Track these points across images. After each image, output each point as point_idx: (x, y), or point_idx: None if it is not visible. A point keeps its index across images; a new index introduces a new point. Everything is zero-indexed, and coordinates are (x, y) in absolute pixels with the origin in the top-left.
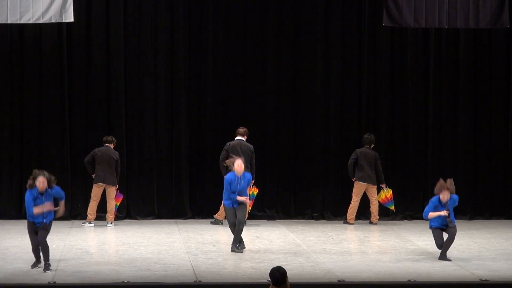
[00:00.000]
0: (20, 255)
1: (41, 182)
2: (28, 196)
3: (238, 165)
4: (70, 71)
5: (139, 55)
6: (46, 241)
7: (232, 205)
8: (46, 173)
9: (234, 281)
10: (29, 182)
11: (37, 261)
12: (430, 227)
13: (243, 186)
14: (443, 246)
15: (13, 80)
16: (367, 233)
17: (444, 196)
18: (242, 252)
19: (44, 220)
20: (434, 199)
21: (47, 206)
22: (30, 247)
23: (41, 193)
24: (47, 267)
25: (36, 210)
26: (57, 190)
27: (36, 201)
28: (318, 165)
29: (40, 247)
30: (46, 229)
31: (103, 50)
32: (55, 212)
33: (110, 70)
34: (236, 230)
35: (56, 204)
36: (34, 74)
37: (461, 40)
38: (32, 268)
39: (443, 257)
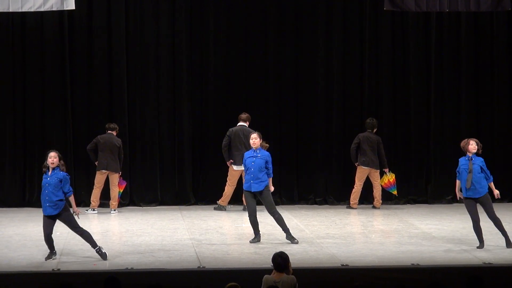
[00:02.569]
0: (24, 243)
1: (52, 156)
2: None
3: (251, 138)
4: (72, 58)
5: (141, 42)
6: (82, 230)
7: (250, 188)
8: (55, 151)
9: (238, 267)
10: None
11: (51, 252)
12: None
13: (258, 164)
14: (503, 235)
15: (15, 68)
16: (370, 217)
17: (471, 147)
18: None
19: (50, 213)
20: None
21: (75, 208)
22: (34, 235)
23: (50, 173)
24: (99, 250)
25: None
26: (66, 178)
27: (42, 188)
28: (321, 150)
29: (82, 237)
30: (70, 221)
31: (104, 37)
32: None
33: (112, 58)
34: (277, 222)
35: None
36: (36, 62)
37: (462, 24)
38: (46, 260)
39: (509, 245)
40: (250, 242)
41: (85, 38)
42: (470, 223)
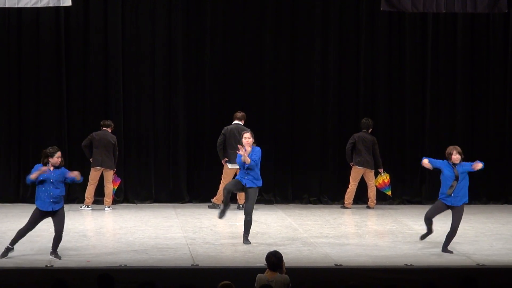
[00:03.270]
0: None
1: (59, 156)
2: (36, 167)
3: (244, 137)
4: (68, 55)
5: (137, 39)
6: (62, 231)
7: (242, 181)
8: (56, 147)
9: (231, 265)
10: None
11: (11, 247)
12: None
13: (252, 158)
14: (445, 239)
15: (10, 65)
16: (364, 217)
17: (454, 157)
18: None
19: (51, 208)
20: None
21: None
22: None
23: (52, 169)
24: (57, 255)
25: (33, 175)
26: (65, 171)
27: (43, 183)
28: (316, 149)
29: (54, 235)
30: (61, 219)
31: (100, 34)
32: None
33: (108, 54)
34: (245, 223)
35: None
36: (31, 58)
37: (459, 25)
38: (1, 257)
39: (445, 249)
40: (219, 217)
41: (81, 35)
42: (464, 225)
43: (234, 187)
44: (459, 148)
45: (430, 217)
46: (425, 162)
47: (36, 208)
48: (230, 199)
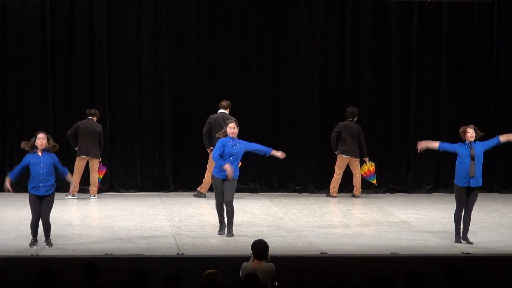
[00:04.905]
0: (2, 228)
1: (41, 138)
2: (26, 158)
3: (230, 127)
4: (53, 44)
5: (122, 29)
6: (49, 219)
7: (224, 175)
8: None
9: (217, 254)
10: (28, 144)
11: (35, 239)
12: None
13: (239, 149)
14: (463, 227)
15: None
16: (349, 206)
17: (468, 135)
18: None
19: (42, 193)
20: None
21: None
22: (13, 220)
23: (40, 154)
24: (49, 242)
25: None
26: (57, 160)
27: (34, 167)
28: (301, 138)
29: (42, 224)
30: (49, 205)
31: (86, 23)
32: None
33: (93, 43)
34: (227, 214)
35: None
36: (16, 47)
37: (444, 14)
38: (30, 246)
39: (465, 238)
40: (218, 233)
41: (66, 24)
42: (449, 213)
43: (222, 196)
44: (473, 126)
45: (460, 214)
46: (421, 145)
47: (30, 194)
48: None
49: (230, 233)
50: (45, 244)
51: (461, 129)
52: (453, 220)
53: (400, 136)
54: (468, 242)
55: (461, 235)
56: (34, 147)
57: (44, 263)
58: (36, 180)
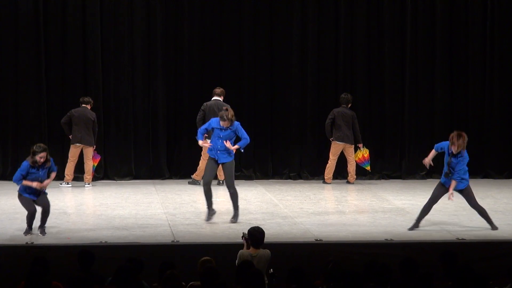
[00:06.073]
0: None
1: (42, 157)
2: (23, 166)
3: (224, 118)
4: (46, 32)
5: (116, 16)
6: (49, 207)
7: (216, 156)
8: (44, 146)
9: (212, 241)
10: (30, 159)
11: (29, 228)
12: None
13: (227, 136)
14: (486, 221)
15: None
16: (344, 192)
17: (454, 148)
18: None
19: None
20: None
21: (47, 182)
22: (7, 208)
23: (38, 168)
24: (43, 230)
25: (36, 185)
26: (52, 163)
27: (31, 175)
28: (295, 124)
29: (42, 211)
30: (45, 198)
31: (79, 11)
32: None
33: (86, 31)
34: (230, 197)
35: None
36: (9, 35)
37: (437, 2)
38: (24, 235)
39: (493, 226)
40: (206, 221)
41: (60, 12)
42: (443, 199)
43: (211, 176)
44: (461, 139)
45: (427, 205)
46: (426, 161)
47: (24, 197)
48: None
49: (235, 218)
50: (39, 233)
51: (451, 135)
52: (447, 206)
53: (394, 122)
54: (495, 227)
55: (417, 225)
56: (36, 162)
57: (39, 251)
58: (28, 193)
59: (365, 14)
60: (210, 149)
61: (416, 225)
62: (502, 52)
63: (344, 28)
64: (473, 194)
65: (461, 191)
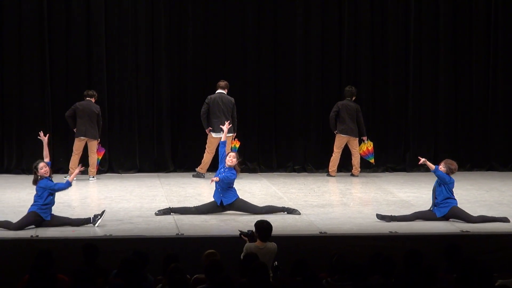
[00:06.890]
0: (1, 209)
1: (43, 167)
2: (44, 182)
3: (230, 156)
4: (50, 25)
5: (119, 8)
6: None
7: (221, 201)
8: (37, 161)
9: (216, 234)
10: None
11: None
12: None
13: (224, 176)
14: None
15: None
16: (348, 185)
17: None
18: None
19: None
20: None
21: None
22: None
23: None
24: (94, 219)
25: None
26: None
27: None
28: (300, 117)
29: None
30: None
31: (83, 5)
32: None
33: (90, 25)
34: (269, 213)
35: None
36: (13, 28)
37: None
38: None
39: (505, 219)
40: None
41: (64, 6)
42: None
43: (205, 212)
44: (450, 165)
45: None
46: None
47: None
48: (212, 168)
49: (294, 211)
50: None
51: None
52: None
53: (398, 115)
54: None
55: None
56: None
57: (43, 244)
58: (46, 213)
59: (369, 6)
60: (213, 193)
61: (388, 218)
62: (506, 45)
63: (348, 22)
64: (464, 212)
65: (447, 216)
